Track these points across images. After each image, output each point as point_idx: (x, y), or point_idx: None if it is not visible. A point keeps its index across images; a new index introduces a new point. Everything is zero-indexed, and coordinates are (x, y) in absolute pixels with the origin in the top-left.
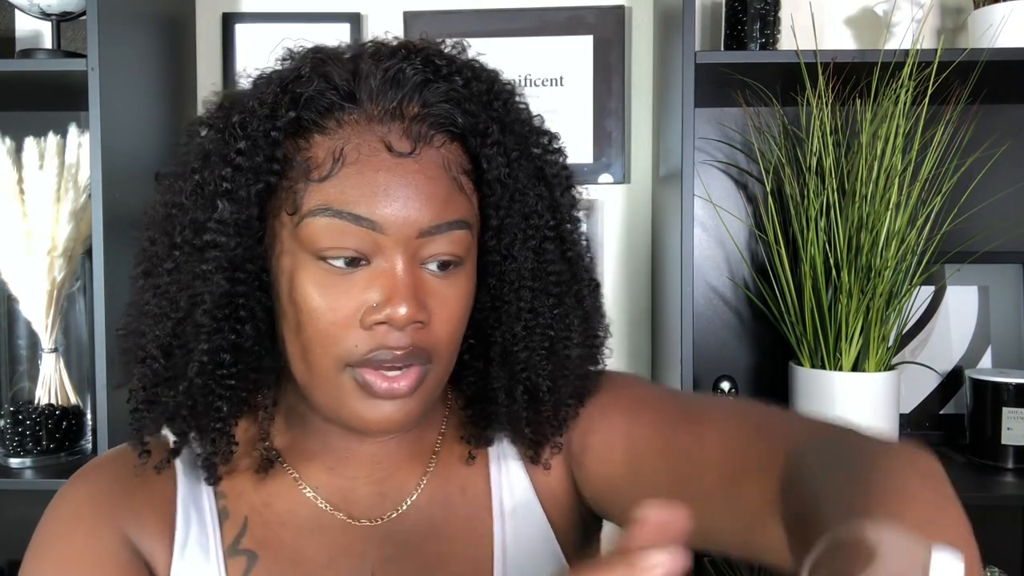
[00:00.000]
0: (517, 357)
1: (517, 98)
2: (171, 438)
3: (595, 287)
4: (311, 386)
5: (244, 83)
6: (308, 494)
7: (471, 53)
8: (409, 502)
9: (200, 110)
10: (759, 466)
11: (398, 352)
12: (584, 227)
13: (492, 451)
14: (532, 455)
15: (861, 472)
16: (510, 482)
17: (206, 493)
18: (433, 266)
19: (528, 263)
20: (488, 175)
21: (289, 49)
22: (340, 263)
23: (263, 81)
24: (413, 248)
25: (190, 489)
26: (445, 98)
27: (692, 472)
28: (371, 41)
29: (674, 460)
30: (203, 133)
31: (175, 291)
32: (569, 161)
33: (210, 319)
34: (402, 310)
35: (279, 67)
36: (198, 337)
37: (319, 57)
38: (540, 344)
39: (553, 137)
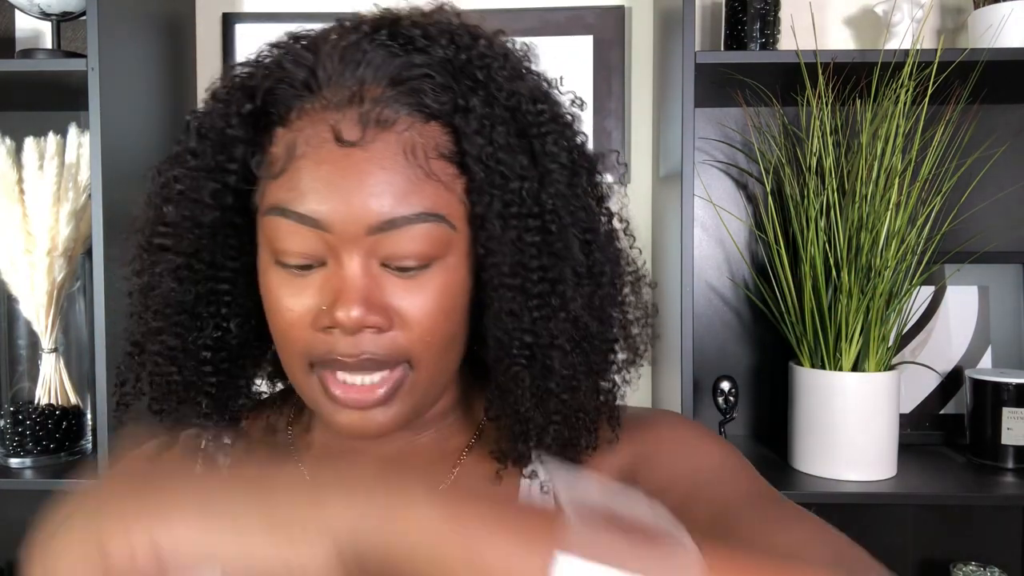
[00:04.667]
0: (500, 365)
1: (505, 62)
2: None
3: (593, 287)
4: (293, 383)
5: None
6: None
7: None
8: None
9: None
10: None
11: (349, 360)
12: (611, 222)
13: (528, 471)
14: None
15: None
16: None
17: None
18: (396, 267)
19: (507, 258)
20: (468, 156)
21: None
22: (294, 266)
23: (224, 79)
24: (367, 246)
25: None
26: (412, 73)
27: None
28: (340, 18)
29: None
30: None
31: (140, 291)
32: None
33: (165, 321)
34: (352, 313)
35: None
36: (154, 338)
37: (277, 45)
38: (521, 353)
39: (555, 108)
